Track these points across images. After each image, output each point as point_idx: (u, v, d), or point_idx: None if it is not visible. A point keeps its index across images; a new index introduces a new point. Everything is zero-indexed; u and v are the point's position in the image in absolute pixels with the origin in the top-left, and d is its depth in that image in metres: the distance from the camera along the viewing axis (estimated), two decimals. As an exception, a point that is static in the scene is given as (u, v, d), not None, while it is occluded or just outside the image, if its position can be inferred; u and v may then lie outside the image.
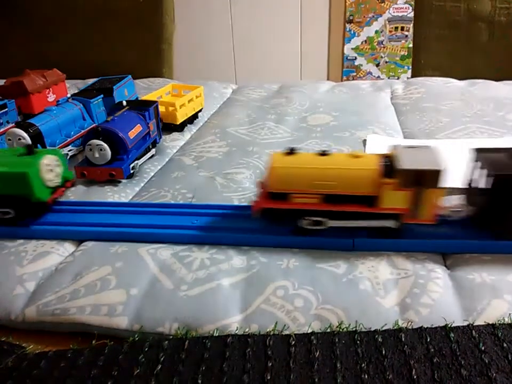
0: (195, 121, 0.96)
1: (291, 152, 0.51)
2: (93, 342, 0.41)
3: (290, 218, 0.51)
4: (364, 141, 0.80)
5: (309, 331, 0.40)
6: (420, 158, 0.48)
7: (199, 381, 0.36)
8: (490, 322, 0.39)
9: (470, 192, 0.53)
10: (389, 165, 0.48)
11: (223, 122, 0.92)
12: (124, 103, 0.80)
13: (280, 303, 0.44)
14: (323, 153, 0.50)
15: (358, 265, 0.48)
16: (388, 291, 0.44)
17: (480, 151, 0.51)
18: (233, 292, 0.45)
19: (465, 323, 0.40)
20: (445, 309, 0.42)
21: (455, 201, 0.55)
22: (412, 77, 1.35)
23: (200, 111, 0.97)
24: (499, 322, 0.38)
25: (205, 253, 0.51)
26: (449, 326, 0.38)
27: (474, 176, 0.51)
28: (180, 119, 0.89)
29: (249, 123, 0.92)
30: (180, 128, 0.91)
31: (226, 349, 0.38)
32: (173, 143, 0.86)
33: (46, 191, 0.56)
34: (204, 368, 0.37)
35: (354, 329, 0.40)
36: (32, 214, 0.57)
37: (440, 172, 0.46)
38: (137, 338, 0.40)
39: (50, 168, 0.56)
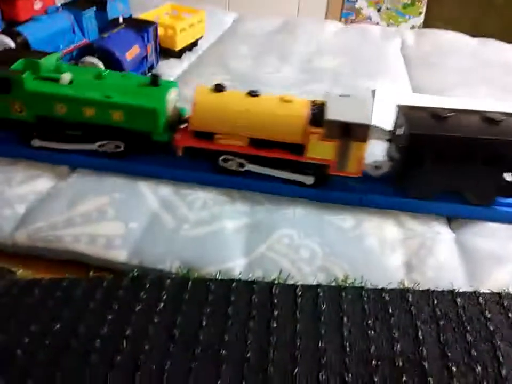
0: (194, 49, 0.90)
1: (219, 89, 0.48)
2: (90, 273, 0.39)
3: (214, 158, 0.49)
4: (373, 92, 0.77)
5: (315, 282, 0.40)
6: (349, 109, 0.46)
7: (204, 323, 0.35)
8: (495, 291, 0.40)
9: (389, 148, 0.53)
10: (317, 113, 0.46)
11: (224, 54, 0.87)
12: (121, 19, 0.73)
13: (285, 251, 0.42)
14: (253, 94, 0.47)
15: (364, 222, 0.47)
16: (394, 250, 0.44)
17: (402, 108, 0.50)
18: (237, 236, 0.44)
19: (471, 289, 0.40)
20: (450, 273, 0.42)
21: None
22: (424, 27, 1.29)
23: (200, 38, 0.91)
24: (505, 291, 0.39)
25: (208, 193, 0.48)
26: (456, 291, 0.38)
27: (398, 132, 0.50)
28: (179, 45, 0.83)
29: (251, 58, 0.86)
30: (178, 54, 0.85)
31: (231, 293, 0.37)
32: (170, 70, 0.80)
33: (167, 131, 0.50)
34: (208, 310, 0.36)
35: (360, 284, 0.39)
36: (141, 150, 0.51)
37: (369, 126, 0.45)
38: (136, 274, 0.39)
39: (174, 103, 0.50)
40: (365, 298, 0.37)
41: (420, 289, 0.38)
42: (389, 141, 0.53)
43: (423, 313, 0.36)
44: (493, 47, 1.02)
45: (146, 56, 0.72)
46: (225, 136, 0.47)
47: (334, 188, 0.49)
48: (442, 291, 0.38)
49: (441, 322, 0.35)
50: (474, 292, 0.38)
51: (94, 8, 0.81)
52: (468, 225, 0.48)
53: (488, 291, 0.39)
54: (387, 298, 0.37)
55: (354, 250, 0.43)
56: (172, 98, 0.50)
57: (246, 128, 0.46)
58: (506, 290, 0.39)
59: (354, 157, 0.46)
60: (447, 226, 0.48)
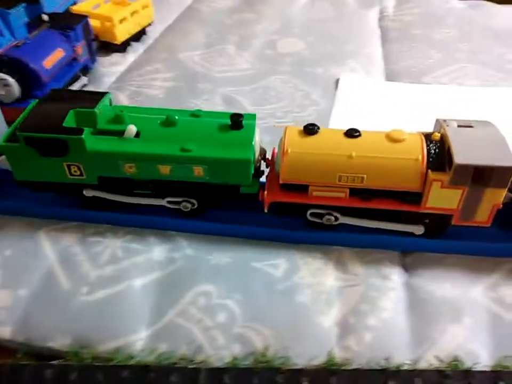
0: (143, 37, 0.80)
1: (310, 130, 0.39)
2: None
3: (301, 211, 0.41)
4: (337, 81, 0.67)
5: (228, 357, 0.33)
6: (480, 145, 0.36)
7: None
8: (442, 358, 0.33)
9: None
10: (437, 153, 0.37)
11: (176, 43, 0.77)
12: (45, 17, 0.65)
13: (198, 316, 0.36)
14: (353, 135, 0.39)
15: (300, 266, 0.40)
16: (331, 305, 0.37)
17: None
18: (144, 298, 0.37)
19: (414, 355, 0.33)
20: (394, 334, 0.35)
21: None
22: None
23: (149, 25, 0.81)
24: (450, 368, 0.32)
25: (118, 240, 0.42)
26: (388, 370, 0.31)
27: None
28: (121, 38, 0.74)
29: (206, 46, 0.77)
30: (122, 48, 0.76)
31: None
32: (112, 68, 0.71)
33: (255, 180, 0.41)
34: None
35: (280, 363, 0.33)
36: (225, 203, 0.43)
37: None
38: (20, 356, 0.33)
39: (259, 146, 0.41)
40: (281, 381, 0.31)
41: (347, 368, 0.32)
42: None
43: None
44: (485, 11, 0.90)
45: (76, 58, 0.64)
46: (323, 188, 0.39)
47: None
48: (374, 371, 0.32)
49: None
50: (412, 371, 0.31)
51: (24, 4, 0.72)
52: (424, 259, 0.41)
53: (430, 367, 0.32)
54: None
55: (281, 310, 0.36)
56: (257, 139, 0.41)
57: (349, 178, 0.38)
58: (455, 361, 0.32)
59: (486, 205, 0.37)
60: (399, 264, 0.41)
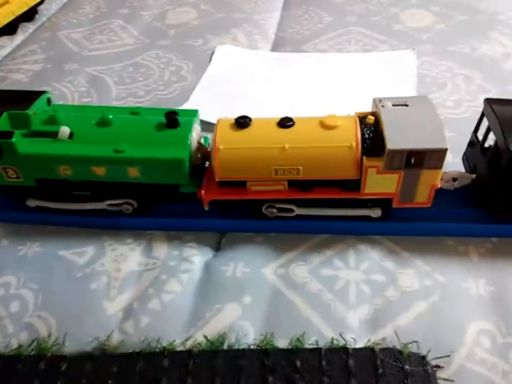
0: (35, 17, 0.79)
1: (241, 123, 0.38)
2: None
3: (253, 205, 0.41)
4: (212, 53, 0.66)
5: (15, 343, 0.35)
6: (415, 127, 0.36)
7: None
8: (212, 336, 0.35)
9: (470, 155, 0.43)
10: (372, 139, 0.37)
11: (61, 22, 0.76)
12: None
13: (-7, 307, 0.38)
14: (286, 125, 0.38)
15: (106, 252, 0.41)
16: (122, 290, 0.38)
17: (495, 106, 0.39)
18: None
19: (185, 335, 0.35)
20: (170, 317, 0.36)
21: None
22: None
23: (40, 3, 0.79)
24: (201, 348, 0.33)
25: None
26: (142, 352, 0.33)
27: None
28: (3, 20, 0.72)
29: (91, 21, 0.75)
30: (10, 30, 0.74)
31: None
32: (-3, 52, 0.71)
33: (194, 178, 0.40)
34: None
35: (55, 349, 0.35)
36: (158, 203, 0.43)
37: (446, 151, 0.35)
38: None
39: (197, 141, 0.41)
40: (42, 367, 0.33)
41: (108, 353, 0.34)
42: (470, 145, 0.43)
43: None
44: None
45: None
46: (260, 182, 0.39)
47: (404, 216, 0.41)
48: (128, 354, 0.33)
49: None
50: (162, 353, 0.33)
51: None
52: (235, 243, 0.42)
53: (196, 346, 0.34)
54: (63, 368, 0.33)
55: (72, 297, 0.38)
56: (195, 137, 0.40)
57: (285, 171, 0.38)
58: (219, 339, 0.34)
59: (425, 186, 0.37)
60: (209, 246, 0.42)
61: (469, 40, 0.66)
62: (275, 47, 0.69)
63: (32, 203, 0.43)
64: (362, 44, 0.67)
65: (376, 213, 0.41)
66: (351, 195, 0.39)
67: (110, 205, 0.42)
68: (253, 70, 0.62)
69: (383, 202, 0.40)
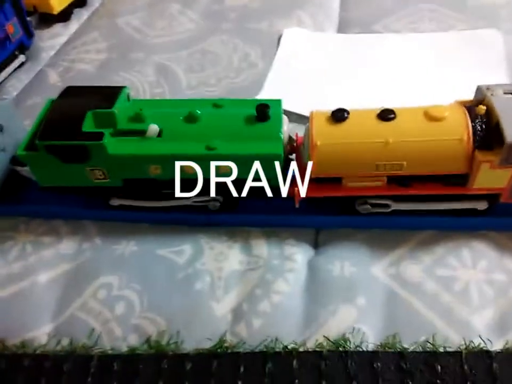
0: (88, 2, 0.77)
1: (339, 116, 0.36)
2: None
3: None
4: (280, 38, 0.63)
5: (125, 347, 0.35)
6: None
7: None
8: (328, 339, 0.33)
9: None
10: (483, 130, 0.34)
11: (116, 7, 0.74)
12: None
13: (98, 309, 0.37)
14: (387, 117, 0.35)
15: (204, 251, 0.40)
16: (227, 291, 0.37)
17: None
18: (49, 292, 0.39)
19: (301, 338, 0.34)
20: (282, 319, 0.35)
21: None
22: None
23: (92, -12, 0.77)
24: (327, 348, 0.32)
25: (30, 234, 0.42)
26: (268, 353, 0.32)
27: None
28: (57, 7, 0.71)
29: (147, 6, 0.73)
30: (63, 18, 0.73)
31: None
32: (52, 41, 0.69)
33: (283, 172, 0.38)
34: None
35: (170, 349, 0.34)
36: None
37: None
38: None
39: (287, 136, 0.39)
40: (165, 366, 0.32)
41: (230, 351, 0.33)
42: None
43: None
44: None
45: (8, 38, 0.62)
46: (358, 178, 0.37)
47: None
48: (254, 354, 0.32)
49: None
50: (290, 353, 0.32)
51: None
52: (336, 235, 0.40)
53: (310, 349, 0.33)
54: (189, 367, 0.32)
55: (177, 298, 0.37)
56: (286, 130, 0.38)
57: (387, 166, 0.36)
58: (339, 342, 0.33)
59: None
60: (308, 244, 0.40)
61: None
62: (341, 29, 0.65)
63: (115, 202, 0.42)
64: (436, 22, 0.63)
65: (482, 205, 0.38)
66: (457, 190, 0.37)
67: (196, 201, 0.41)
68: (326, 55, 0.59)
69: (489, 196, 0.38)
